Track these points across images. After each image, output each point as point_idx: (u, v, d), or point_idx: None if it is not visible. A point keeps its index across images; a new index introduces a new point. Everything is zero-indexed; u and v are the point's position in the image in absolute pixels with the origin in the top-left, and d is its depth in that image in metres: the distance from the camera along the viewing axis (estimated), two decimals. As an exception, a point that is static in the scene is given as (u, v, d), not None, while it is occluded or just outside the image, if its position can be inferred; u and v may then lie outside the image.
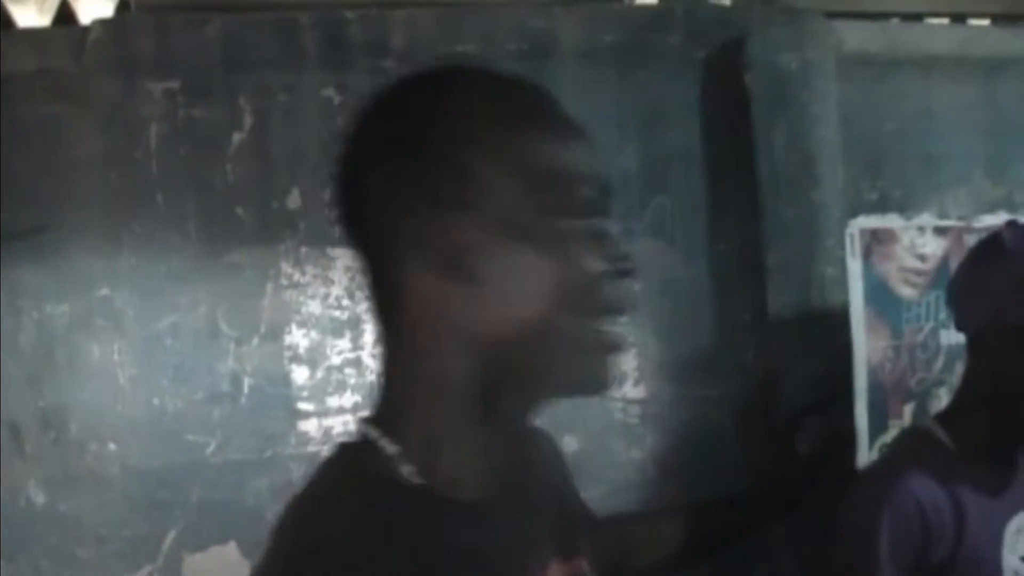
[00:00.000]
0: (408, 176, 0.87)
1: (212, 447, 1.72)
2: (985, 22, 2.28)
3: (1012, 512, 1.60)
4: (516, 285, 0.87)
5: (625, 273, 0.92)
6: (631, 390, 1.89)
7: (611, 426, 1.88)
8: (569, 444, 1.84)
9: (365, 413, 1.72)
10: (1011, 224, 1.63)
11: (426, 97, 0.90)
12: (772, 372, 1.86)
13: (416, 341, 0.89)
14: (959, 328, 1.68)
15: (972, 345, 1.64)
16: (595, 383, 0.92)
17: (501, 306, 0.86)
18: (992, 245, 1.63)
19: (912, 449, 1.67)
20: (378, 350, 0.94)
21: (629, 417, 1.90)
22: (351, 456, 0.91)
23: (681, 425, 1.93)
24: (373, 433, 0.90)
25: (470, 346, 0.87)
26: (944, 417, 1.69)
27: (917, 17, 2.20)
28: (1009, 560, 1.57)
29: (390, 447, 0.89)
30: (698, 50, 1.95)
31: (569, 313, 0.88)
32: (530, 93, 0.93)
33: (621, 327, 0.91)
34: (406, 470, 0.88)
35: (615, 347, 0.92)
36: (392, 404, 0.92)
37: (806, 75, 1.93)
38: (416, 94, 0.92)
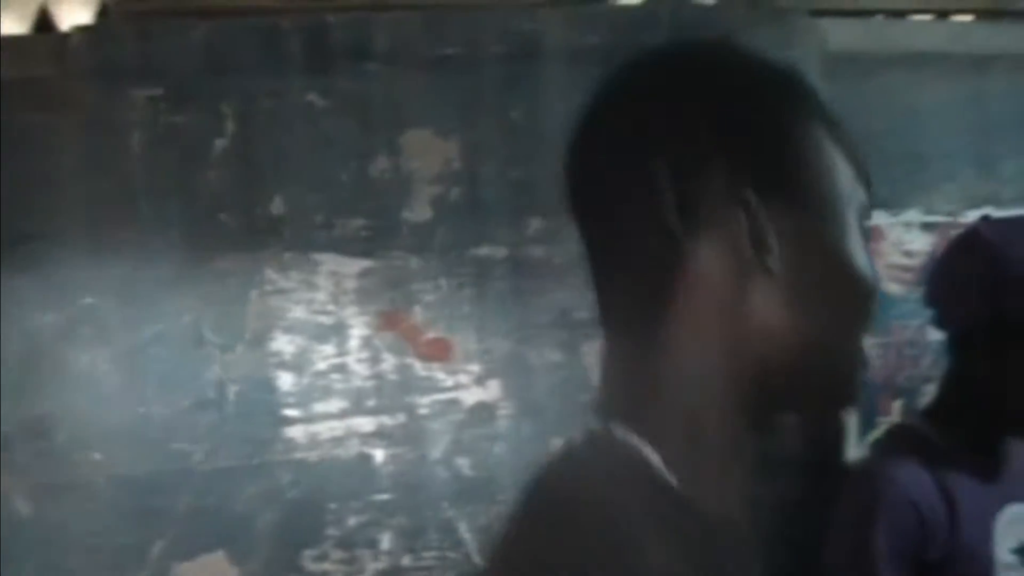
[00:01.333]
0: (727, 154, 0.81)
1: (199, 455, 1.77)
2: (970, 18, 2.33)
3: (1001, 504, 1.66)
4: (813, 283, 0.81)
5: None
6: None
7: (599, 428, 1.93)
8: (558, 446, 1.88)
9: (354, 419, 1.78)
10: (985, 219, 1.69)
11: (739, 72, 0.85)
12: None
13: (691, 331, 0.81)
14: (941, 326, 1.72)
15: (956, 342, 1.69)
16: (851, 403, 0.88)
17: (793, 303, 0.80)
18: (970, 241, 1.68)
19: (901, 446, 1.71)
20: (623, 346, 0.86)
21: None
22: (606, 460, 0.82)
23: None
24: (632, 438, 0.81)
25: (754, 342, 0.81)
26: (929, 413, 1.74)
27: (902, 14, 2.26)
28: (1000, 553, 1.63)
29: (653, 455, 0.80)
30: (683, 50, 1.99)
31: (852, 326, 0.84)
32: (819, 101, 0.88)
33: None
34: (672, 479, 0.80)
35: (868, 364, 0.88)
36: (643, 403, 0.83)
37: (791, 74, 1.98)
38: (728, 69, 0.86)
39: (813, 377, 0.83)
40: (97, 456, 1.75)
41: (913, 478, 1.63)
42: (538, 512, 0.79)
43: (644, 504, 0.78)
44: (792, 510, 1.99)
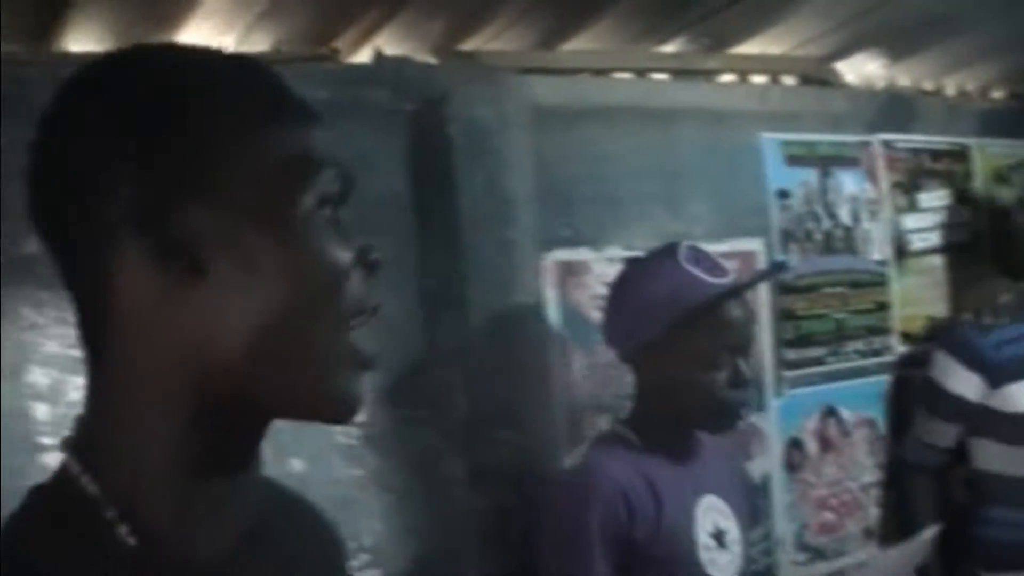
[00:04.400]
0: (126, 157, 0.80)
1: (-48, 487, 1.99)
2: (664, 76, 2.83)
3: (698, 495, 2.12)
4: (255, 280, 0.82)
5: (373, 265, 0.90)
6: (352, 413, 2.30)
7: (333, 448, 2.29)
8: (295, 466, 2.23)
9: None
10: (629, 260, 2.21)
11: (144, 75, 0.85)
12: None
13: (123, 353, 0.83)
14: (621, 359, 2.20)
15: (631, 362, 2.17)
16: (345, 407, 0.88)
17: (236, 306, 0.81)
18: (615, 284, 2.20)
19: (608, 447, 2.16)
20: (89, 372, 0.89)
21: (350, 439, 2.31)
22: (52, 502, 0.86)
23: (397, 443, 2.35)
24: (75, 467, 0.84)
25: (193, 358, 0.82)
26: (629, 421, 2.19)
27: (604, 72, 2.73)
28: (700, 535, 2.08)
29: (91, 485, 0.82)
30: (406, 104, 2.39)
31: (316, 317, 0.84)
32: (261, 73, 0.91)
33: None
34: (110, 515, 0.82)
35: (367, 363, 0.89)
36: (96, 431, 0.86)
37: (503, 126, 2.42)
38: (132, 73, 0.86)
39: (281, 374, 0.83)
40: None
41: (621, 470, 2.06)
42: None
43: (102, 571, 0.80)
44: (505, 516, 2.40)
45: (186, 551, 0.84)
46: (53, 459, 1.97)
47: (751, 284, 2.20)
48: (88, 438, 0.85)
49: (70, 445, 0.86)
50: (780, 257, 2.87)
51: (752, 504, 2.34)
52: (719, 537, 2.09)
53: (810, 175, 2.98)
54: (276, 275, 0.82)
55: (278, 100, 0.88)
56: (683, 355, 2.05)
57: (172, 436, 0.83)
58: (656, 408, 2.13)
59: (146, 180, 0.80)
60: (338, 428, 2.28)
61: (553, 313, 2.51)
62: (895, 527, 3.02)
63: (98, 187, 0.80)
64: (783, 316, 2.91)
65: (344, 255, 0.86)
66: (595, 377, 2.56)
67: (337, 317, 0.85)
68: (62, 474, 0.85)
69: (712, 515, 2.11)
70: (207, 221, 0.80)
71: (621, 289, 2.19)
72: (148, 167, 0.80)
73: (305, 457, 2.25)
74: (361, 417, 2.29)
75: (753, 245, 2.82)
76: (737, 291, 2.09)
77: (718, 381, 2.04)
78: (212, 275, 0.80)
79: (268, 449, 2.24)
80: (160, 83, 0.83)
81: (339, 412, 0.88)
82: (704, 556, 2.06)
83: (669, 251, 2.12)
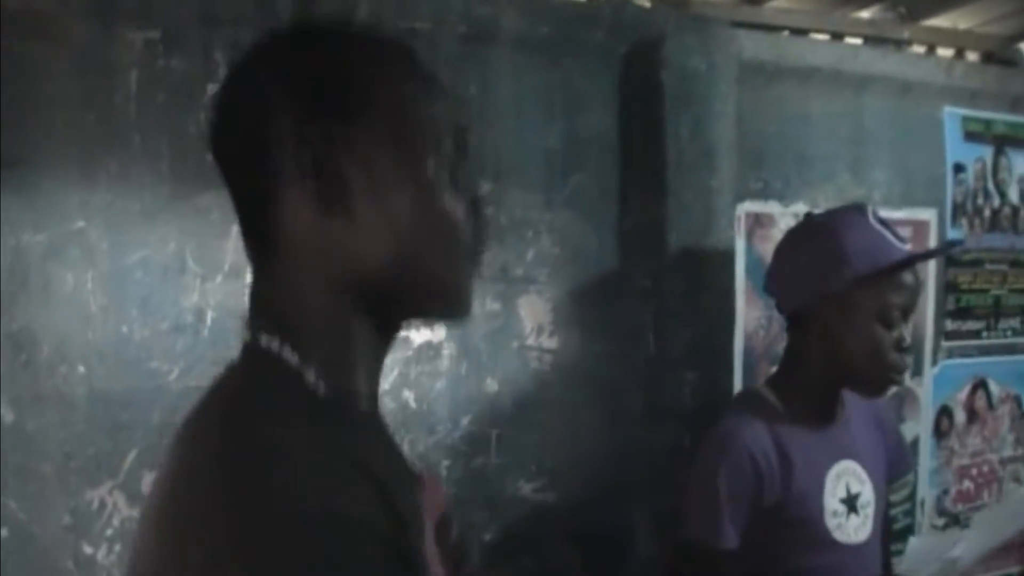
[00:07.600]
0: (297, 113, 0.93)
1: (174, 374, 1.88)
2: (858, 41, 2.62)
3: (831, 461, 2.00)
4: (389, 219, 0.95)
5: (482, 213, 1.05)
6: (546, 340, 2.15)
7: (526, 371, 2.14)
8: (490, 386, 2.09)
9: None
10: (808, 215, 2.10)
11: (317, 45, 0.98)
12: None
13: (293, 260, 0.96)
14: (780, 310, 2.06)
15: (794, 321, 2.02)
16: (459, 308, 1.02)
17: (374, 235, 0.95)
18: (798, 233, 2.05)
19: (745, 409, 2.03)
20: (259, 269, 1.00)
21: (542, 365, 2.15)
22: (263, 367, 0.96)
23: (585, 374, 2.20)
24: (273, 342, 0.96)
25: (346, 267, 0.95)
26: (773, 382, 2.04)
27: (804, 32, 2.52)
28: (829, 501, 1.96)
29: (292, 358, 0.95)
30: (620, 46, 2.21)
31: (435, 245, 0.98)
32: (403, 48, 1.01)
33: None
34: (310, 379, 0.94)
35: (475, 275, 1.03)
36: (283, 316, 0.97)
37: (712, 76, 2.24)
38: (308, 43, 0.98)
39: (414, 290, 0.98)
40: (79, 370, 1.82)
41: (752, 435, 1.95)
42: (238, 458, 0.85)
43: (306, 419, 0.90)
44: (679, 455, 2.24)
45: (357, 402, 0.99)
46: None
47: (936, 254, 2.03)
48: (276, 318, 0.97)
49: (258, 324, 0.98)
50: (956, 236, 2.71)
51: (900, 453, 2.24)
52: (851, 501, 1.99)
53: (985, 152, 2.79)
54: (404, 216, 0.95)
55: (416, 74, 0.99)
56: (862, 309, 1.93)
57: (342, 317, 0.97)
58: (808, 368, 2.01)
59: (312, 139, 0.93)
60: (532, 354, 2.15)
61: (739, 262, 2.32)
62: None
63: (274, 142, 0.93)
64: (947, 288, 2.74)
65: (460, 202, 0.99)
66: (771, 328, 2.38)
67: (455, 246, 0.99)
68: (258, 346, 0.97)
69: (844, 480, 2.00)
70: (357, 173, 0.94)
71: (806, 239, 2.04)
72: (314, 128, 0.93)
73: (499, 378, 2.14)
74: (554, 344, 2.14)
75: (927, 215, 2.64)
76: (924, 257, 2.03)
77: (889, 340, 1.93)
78: (357, 212, 0.94)
79: (467, 368, 2.07)
80: (327, 60, 0.95)
81: (453, 311, 1.03)
82: (831, 522, 1.96)
83: (859, 209, 2.00)
